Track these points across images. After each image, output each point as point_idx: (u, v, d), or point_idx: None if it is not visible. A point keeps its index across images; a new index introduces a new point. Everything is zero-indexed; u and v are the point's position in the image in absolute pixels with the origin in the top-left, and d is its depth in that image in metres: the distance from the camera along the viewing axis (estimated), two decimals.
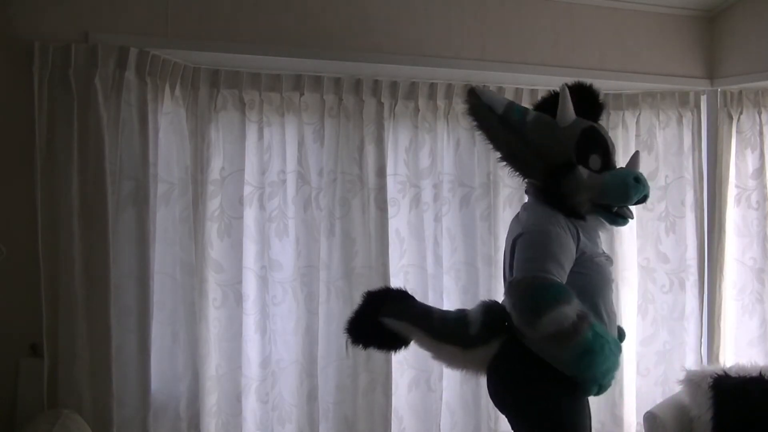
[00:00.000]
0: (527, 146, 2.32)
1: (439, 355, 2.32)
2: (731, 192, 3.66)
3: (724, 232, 3.63)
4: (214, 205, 2.99)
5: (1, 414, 2.54)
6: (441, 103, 3.31)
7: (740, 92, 3.63)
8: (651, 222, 3.68)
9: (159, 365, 2.79)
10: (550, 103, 2.39)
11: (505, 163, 2.39)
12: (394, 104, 3.24)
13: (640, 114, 3.68)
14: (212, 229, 2.99)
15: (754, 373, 3.23)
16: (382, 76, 3.18)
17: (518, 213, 2.41)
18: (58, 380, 2.58)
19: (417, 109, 3.28)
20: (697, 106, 3.66)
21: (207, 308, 2.97)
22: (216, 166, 2.99)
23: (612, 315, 2.27)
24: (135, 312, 2.69)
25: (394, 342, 2.35)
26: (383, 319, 2.31)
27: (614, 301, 3.47)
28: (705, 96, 3.67)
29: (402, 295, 2.38)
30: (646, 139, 3.68)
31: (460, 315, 2.28)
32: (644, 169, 3.65)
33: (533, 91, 3.44)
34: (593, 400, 3.49)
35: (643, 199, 2.32)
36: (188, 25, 2.80)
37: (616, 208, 2.29)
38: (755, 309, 3.62)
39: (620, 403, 3.58)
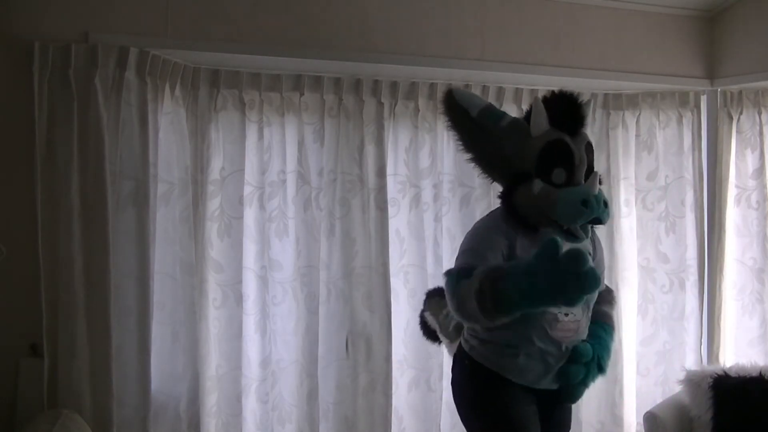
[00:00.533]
0: (495, 151, 2.35)
1: (446, 347, 2.59)
2: (731, 192, 3.66)
3: (724, 232, 3.63)
4: (214, 205, 2.99)
5: (1, 414, 2.55)
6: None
7: (740, 92, 3.62)
8: (651, 222, 3.68)
9: (159, 365, 2.79)
10: (531, 110, 2.37)
11: (474, 164, 2.44)
12: (394, 104, 3.24)
13: (640, 114, 3.68)
14: (212, 229, 2.99)
15: (754, 373, 3.23)
16: (382, 76, 3.18)
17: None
18: (58, 380, 2.58)
19: (417, 109, 3.28)
20: (697, 106, 3.66)
21: (207, 308, 2.98)
22: (216, 166, 2.99)
23: (553, 319, 2.24)
24: (135, 312, 2.69)
25: (434, 334, 2.61)
26: (425, 314, 2.61)
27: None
28: (705, 96, 3.66)
29: (442, 291, 2.52)
30: (646, 139, 3.68)
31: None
32: (644, 169, 3.67)
33: (533, 91, 3.44)
34: (593, 400, 3.54)
35: (596, 221, 2.26)
36: (188, 25, 2.80)
37: (565, 226, 2.24)
38: (755, 309, 3.62)
39: (620, 403, 3.58)
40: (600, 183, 2.35)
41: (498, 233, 2.28)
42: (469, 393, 2.41)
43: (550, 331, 2.24)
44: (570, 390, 2.36)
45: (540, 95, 2.41)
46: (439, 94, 3.27)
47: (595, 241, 2.49)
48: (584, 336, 2.35)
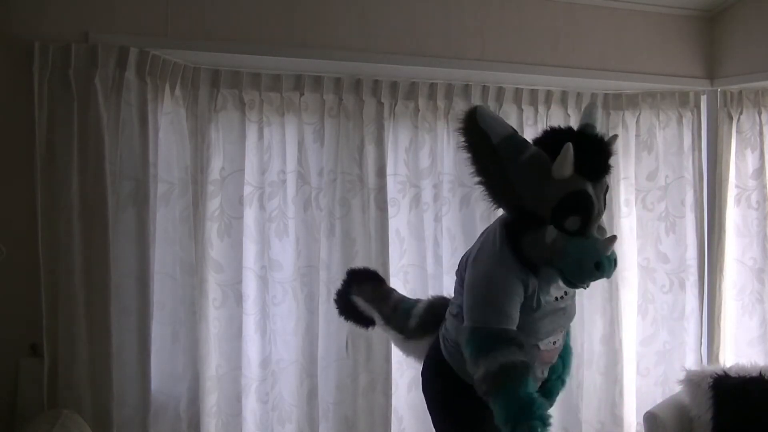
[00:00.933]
0: (509, 182, 2.15)
1: (387, 335, 2.59)
2: (731, 192, 3.66)
3: (724, 232, 3.63)
4: (214, 205, 2.99)
5: (1, 414, 2.54)
6: (441, 103, 3.31)
7: (740, 92, 3.63)
8: (651, 222, 3.69)
9: (159, 365, 2.79)
10: (559, 138, 2.14)
11: (481, 187, 2.22)
12: (394, 104, 3.24)
13: (640, 114, 3.68)
14: (212, 229, 2.99)
15: (754, 373, 3.23)
16: (382, 76, 3.18)
17: (491, 225, 2.31)
18: (58, 380, 2.58)
19: (417, 109, 3.28)
20: (697, 106, 3.66)
21: (207, 308, 2.97)
22: (216, 166, 2.99)
23: (546, 351, 2.23)
24: (135, 312, 2.69)
25: (365, 319, 2.58)
26: (353, 297, 2.56)
27: (612, 309, 3.53)
28: (705, 96, 3.67)
29: (373, 276, 2.65)
30: (646, 139, 3.68)
31: (409, 306, 2.50)
32: (644, 169, 3.67)
33: (533, 91, 3.45)
34: (593, 400, 3.55)
35: (608, 276, 2.15)
36: (188, 25, 2.80)
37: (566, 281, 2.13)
38: (755, 309, 3.63)
39: (620, 403, 3.59)
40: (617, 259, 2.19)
41: (513, 278, 2.14)
42: (444, 404, 2.38)
43: (539, 359, 2.20)
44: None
45: (569, 140, 2.08)
46: (439, 94, 3.29)
47: None
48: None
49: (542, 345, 2.20)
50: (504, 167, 2.13)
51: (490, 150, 2.13)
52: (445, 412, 2.37)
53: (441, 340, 2.36)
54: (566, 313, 2.27)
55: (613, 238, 2.13)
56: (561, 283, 2.16)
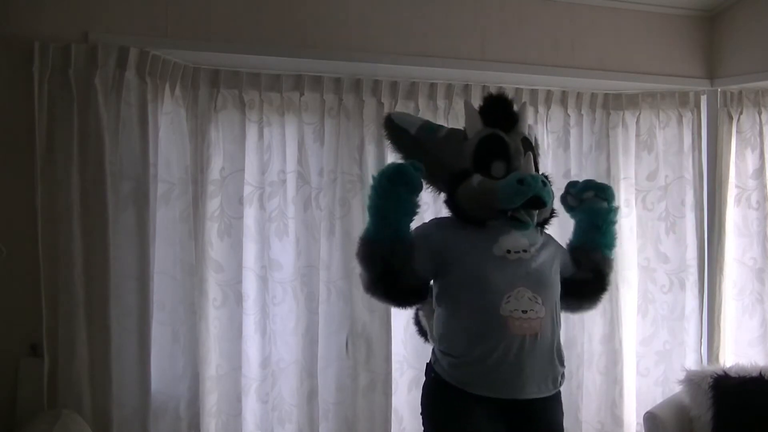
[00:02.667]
0: (436, 162, 2.37)
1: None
2: (731, 192, 3.66)
3: (724, 232, 3.63)
4: (214, 205, 2.99)
5: (1, 414, 2.54)
6: (441, 103, 3.31)
7: (740, 92, 3.62)
8: (651, 222, 3.69)
9: (159, 365, 2.79)
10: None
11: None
12: (394, 104, 3.24)
13: (640, 114, 3.68)
14: (212, 229, 2.99)
15: (754, 373, 3.23)
16: (382, 76, 3.18)
17: None
18: (58, 380, 2.58)
19: (417, 109, 3.27)
20: (697, 106, 3.66)
21: (207, 308, 2.97)
22: (216, 166, 2.99)
23: (513, 319, 2.16)
24: (135, 312, 2.69)
25: None
26: (419, 313, 2.58)
27: (612, 308, 3.53)
28: (705, 96, 3.66)
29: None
30: (646, 139, 3.68)
31: None
32: (644, 169, 3.68)
33: (533, 91, 3.45)
34: (593, 400, 3.54)
35: (536, 201, 2.21)
36: (188, 25, 2.80)
37: (509, 212, 2.23)
38: (755, 309, 3.62)
39: (620, 403, 3.58)
40: (547, 181, 2.30)
41: (436, 227, 2.38)
42: (430, 409, 2.34)
43: (509, 331, 2.13)
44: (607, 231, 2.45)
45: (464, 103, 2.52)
46: (439, 94, 3.29)
47: (553, 241, 2.44)
48: (550, 336, 2.22)
49: (504, 311, 2.14)
50: (427, 150, 2.40)
51: (411, 140, 2.43)
52: (428, 412, 2.36)
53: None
54: (525, 269, 2.22)
55: (528, 155, 2.32)
56: (519, 238, 2.24)
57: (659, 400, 3.51)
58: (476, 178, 2.25)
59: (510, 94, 2.50)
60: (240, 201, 3.01)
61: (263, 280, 3.07)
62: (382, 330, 3.14)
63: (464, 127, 2.44)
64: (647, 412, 3.26)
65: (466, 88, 3.32)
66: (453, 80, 3.30)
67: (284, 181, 3.11)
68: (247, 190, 3.05)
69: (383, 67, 3.12)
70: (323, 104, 3.14)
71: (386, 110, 3.21)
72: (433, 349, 2.37)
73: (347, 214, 3.13)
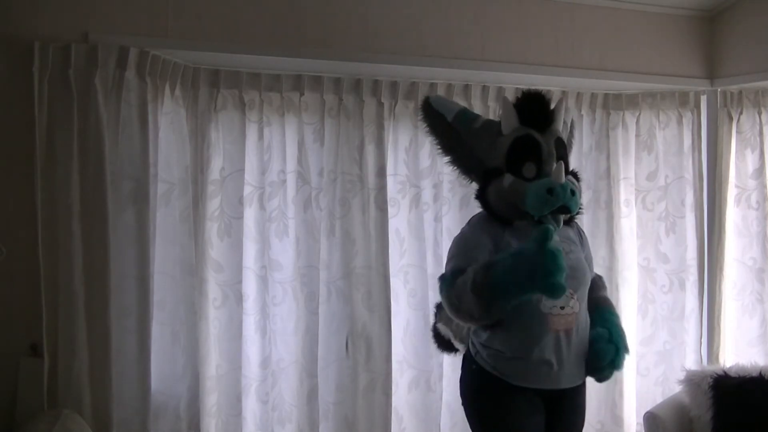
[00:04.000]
0: (470, 152, 2.44)
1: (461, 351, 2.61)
2: (731, 192, 3.66)
3: (724, 232, 3.63)
4: (214, 205, 2.99)
5: (1, 414, 2.54)
6: None
7: (740, 92, 3.63)
8: (651, 222, 3.69)
9: (159, 365, 2.79)
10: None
11: (452, 167, 2.54)
12: (394, 104, 3.24)
13: (640, 114, 3.68)
14: (212, 229, 2.99)
15: (754, 373, 3.23)
16: (382, 76, 3.18)
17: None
18: (58, 380, 2.58)
19: (417, 109, 3.27)
20: (697, 106, 3.66)
21: (207, 308, 2.97)
22: (216, 166, 2.99)
23: (552, 315, 2.27)
24: (135, 312, 2.69)
25: (452, 345, 2.63)
26: (437, 325, 2.62)
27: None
28: (705, 96, 3.66)
29: None
30: (646, 139, 3.68)
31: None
32: (644, 169, 3.68)
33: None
34: (593, 400, 3.54)
35: (562, 210, 2.28)
36: (188, 25, 2.80)
37: (537, 217, 2.28)
38: (755, 309, 3.62)
39: (620, 403, 3.59)
40: (577, 178, 2.42)
41: (482, 233, 2.34)
42: (473, 398, 2.43)
43: (549, 327, 2.25)
44: (602, 370, 2.35)
45: (511, 95, 2.48)
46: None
47: (582, 235, 2.53)
48: (583, 330, 2.35)
49: (544, 307, 2.25)
50: (462, 139, 2.44)
51: (447, 127, 2.46)
52: (472, 402, 2.43)
53: (470, 339, 2.45)
54: None
55: (560, 164, 2.31)
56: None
57: (659, 400, 3.51)
58: (507, 179, 2.31)
59: (546, 93, 2.51)
60: (240, 201, 3.01)
61: (263, 280, 3.07)
62: (382, 330, 3.14)
63: (498, 119, 2.48)
64: (647, 412, 3.26)
65: (466, 88, 3.33)
66: (453, 80, 3.30)
67: (284, 181, 3.11)
68: (247, 190, 3.05)
69: (383, 67, 3.12)
70: (323, 104, 3.14)
71: (386, 110, 3.22)
72: (472, 342, 2.41)
73: (347, 214, 3.13)
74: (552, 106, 2.43)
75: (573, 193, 2.27)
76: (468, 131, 2.44)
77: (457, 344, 2.57)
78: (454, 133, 2.45)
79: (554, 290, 2.03)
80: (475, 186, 2.50)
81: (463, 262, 2.27)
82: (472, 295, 2.13)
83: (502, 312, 2.18)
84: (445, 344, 2.65)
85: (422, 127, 2.59)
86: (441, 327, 2.62)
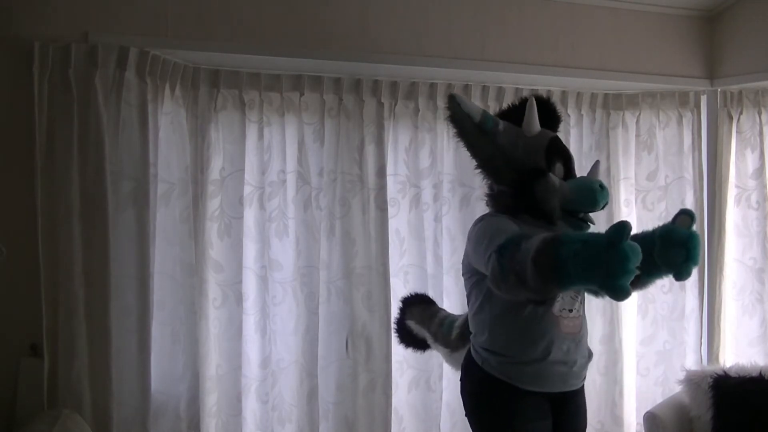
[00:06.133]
0: (500, 153, 2.39)
1: (437, 352, 2.69)
2: (731, 192, 3.66)
3: (724, 232, 3.63)
4: (214, 205, 2.99)
5: (1, 414, 2.54)
6: (441, 103, 3.31)
7: (740, 92, 3.63)
8: (651, 222, 3.67)
9: (159, 365, 2.79)
10: (513, 113, 2.46)
11: (480, 170, 2.46)
12: (394, 104, 3.24)
13: (640, 114, 3.68)
14: (212, 229, 2.99)
15: (754, 373, 3.23)
16: (382, 76, 3.18)
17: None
18: (58, 380, 2.58)
19: (417, 109, 3.28)
20: (697, 106, 3.66)
21: (207, 308, 2.97)
22: (216, 166, 2.99)
23: (563, 318, 2.26)
24: (135, 312, 2.69)
25: (420, 342, 2.71)
26: (407, 322, 2.70)
27: (612, 308, 3.54)
28: (705, 96, 3.67)
29: (423, 299, 2.79)
30: (646, 139, 3.68)
31: (452, 320, 2.59)
32: (644, 169, 3.68)
33: (533, 91, 3.43)
34: (593, 400, 3.54)
35: (603, 207, 2.37)
36: (188, 25, 2.80)
37: (582, 214, 2.34)
38: (755, 309, 3.62)
39: (620, 403, 3.58)
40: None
41: (507, 221, 2.26)
42: (479, 406, 2.39)
43: (560, 329, 2.25)
44: (681, 270, 2.27)
45: (528, 98, 2.48)
46: (439, 94, 3.29)
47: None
48: (585, 332, 2.36)
49: (556, 310, 2.25)
50: (491, 140, 2.38)
51: (476, 128, 2.37)
52: (479, 410, 2.39)
53: (470, 342, 2.43)
54: None
55: (598, 162, 2.56)
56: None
57: (659, 400, 3.51)
58: (553, 178, 2.32)
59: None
60: (240, 201, 3.01)
61: (263, 280, 3.07)
62: (382, 330, 3.14)
63: (504, 117, 2.46)
64: (647, 412, 3.26)
65: (466, 88, 3.33)
66: (453, 80, 3.30)
67: (284, 181, 3.11)
68: (247, 190, 3.05)
69: (383, 67, 3.12)
70: (323, 104, 3.14)
71: (386, 110, 3.22)
72: (476, 349, 2.37)
73: (347, 214, 3.13)
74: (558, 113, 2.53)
75: (602, 187, 2.35)
76: (495, 133, 2.38)
77: (437, 347, 2.59)
78: (483, 134, 2.38)
79: (619, 293, 1.88)
80: (495, 186, 2.45)
81: (511, 234, 2.13)
82: (532, 264, 1.95)
83: (558, 291, 2.11)
84: (411, 340, 2.71)
85: (449, 127, 2.52)
86: (413, 326, 2.66)
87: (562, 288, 2.04)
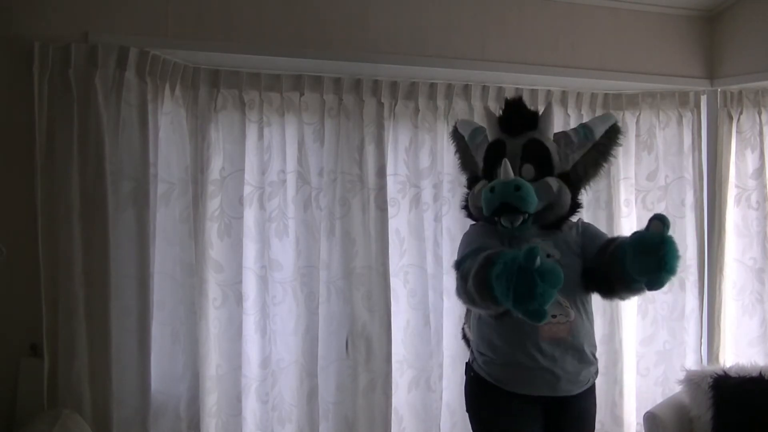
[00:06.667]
0: (474, 165, 2.60)
1: None
2: (731, 192, 3.66)
3: (724, 232, 3.63)
4: (214, 205, 2.99)
5: (1, 414, 2.54)
6: (441, 103, 3.31)
7: (740, 92, 3.62)
8: None
9: (159, 365, 2.79)
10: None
11: (467, 180, 2.70)
12: (394, 104, 3.24)
13: (640, 114, 3.68)
14: (212, 229, 2.99)
15: (754, 373, 3.23)
16: (382, 76, 3.18)
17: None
18: (58, 380, 2.58)
19: (417, 109, 3.28)
20: (697, 106, 3.66)
21: (207, 308, 2.97)
22: (216, 166, 2.99)
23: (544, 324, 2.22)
24: (135, 312, 2.69)
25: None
26: (464, 327, 2.69)
27: (612, 309, 3.54)
28: (705, 96, 3.66)
29: None
30: (646, 139, 3.68)
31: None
32: (644, 169, 3.68)
33: (533, 91, 3.44)
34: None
35: (507, 208, 2.19)
36: (188, 25, 2.80)
37: (498, 218, 2.27)
38: (755, 309, 3.62)
39: (620, 403, 3.58)
40: (568, 182, 2.38)
41: (488, 232, 2.36)
42: (472, 404, 2.45)
43: (540, 335, 2.24)
44: (652, 279, 2.13)
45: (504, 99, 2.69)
46: (439, 94, 3.30)
47: (582, 232, 2.46)
48: (581, 338, 2.33)
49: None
50: (472, 155, 2.62)
51: (464, 146, 2.69)
52: (472, 408, 2.45)
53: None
54: None
55: (505, 162, 2.26)
56: (540, 243, 2.22)
57: (659, 400, 3.51)
58: (480, 184, 2.38)
59: (520, 99, 2.61)
60: (240, 201, 3.01)
61: (263, 280, 3.07)
62: (382, 330, 3.14)
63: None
64: (647, 412, 3.26)
65: (466, 88, 3.33)
66: (453, 80, 3.30)
67: (284, 181, 3.11)
68: (247, 190, 3.05)
69: (383, 67, 3.12)
70: (323, 104, 3.14)
71: (386, 110, 3.23)
72: (471, 349, 2.45)
73: (347, 214, 3.13)
74: (538, 111, 2.53)
75: (518, 188, 2.17)
76: (474, 146, 2.58)
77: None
78: (467, 149, 2.63)
79: (531, 317, 1.87)
80: None
81: (470, 249, 2.25)
82: (472, 282, 2.02)
83: (503, 308, 2.05)
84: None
85: (453, 150, 2.87)
86: (466, 329, 2.66)
87: (503, 305, 1.97)
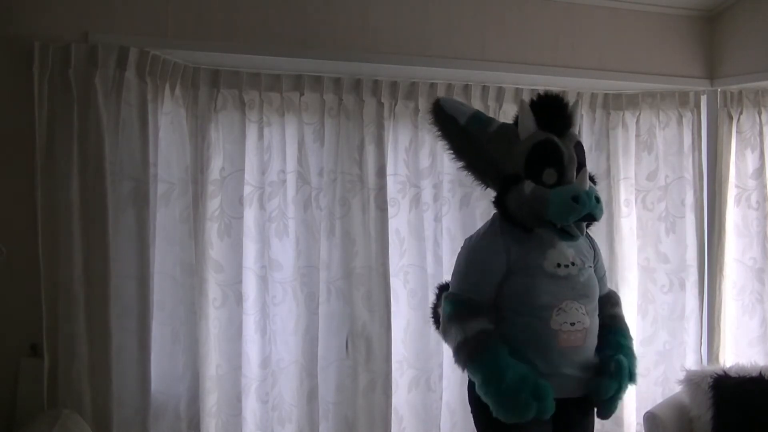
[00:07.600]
0: (485, 156, 2.37)
1: None
2: (731, 192, 3.66)
3: (724, 232, 3.63)
4: (214, 205, 2.99)
5: (1, 414, 2.54)
6: None
7: (740, 92, 3.62)
8: (651, 222, 3.68)
9: (159, 365, 2.79)
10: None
11: (466, 172, 2.48)
12: (394, 104, 3.24)
13: (640, 114, 3.68)
14: (212, 229, 2.99)
15: (754, 373, 3.23)
16: (382, 76, 3.18)
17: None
18: (58, 380, 2.58)
19: (417, 109, 3.28)
20: (697, 106, 3.66)
21: (207, 308, 2.97)
22: (216, 166, 2.99)
23: (562, 332, 2.27)
24: (135, 312, 2.69)
25: None
26: (438, 309, 2.56)
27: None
28: (705, 96, 3.66)
29: None
30: (646, 139, 3.68)
31: None
32: (644, 169, 3.68)
33: (533, 91, 3.43)
34: None
35: (588, 218, 2.24)
36: (188, 25, 2.80)
37: (558, 225, 2.24)
38: (755, 309, 3.62)
39: (620, 403, 3.58)
40: (594, 182, 2.38)
41: (494, 252, 2.30)
42: (478, 403, 2.38)
43: (558, 342, 2.24)
44: (604, 405, 2.35)
45: (527, 98, 2.44)
46: (440, 94, 3.28)
47: (594, 247, 2.50)
48: (592, 343, 2.34)
49: (554, 324, 2.23)
50: (476, 143, 2.36)
51: (460, 131, 2.37)
52: (482, 415, 2.39)
53: None
54: (572, 284, 2.27)
55: (585, 170, 2.28)
56: (565, 250, 2.26)
57: (659, 400, 3.51)
58: (528, 186, 2.24)
59: (563, 95, 2.51)
60: (240, 201, 3.01)
61: (263, 280, 3.07)
62: (382, 330, 3.14)
63: (514, 122, 2.42)
64: (647, 412, 3.26)
65: (467, 88, 3.33)
66: (453, 80, 3.30)
67: (284, 181, 3.11)
68: (247, 190, 3.05)
69: (383, 67, 3.12)
70: (323, 104, 3.14)
71: (386, 110, 3.22)
72: None
73: (347, 214, 3.13)
74: (570, 110, 2.38)
75: (598, 200, 2.23)
76: (483, 135, 2.36)
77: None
78: (468, 137, 2.37)
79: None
80: (483, 189, 2.49)
81: (468, 291, 2.30)
82: (455, 351, 2.24)
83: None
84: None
85: (433, 131, 2.50)
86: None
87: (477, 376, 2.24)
